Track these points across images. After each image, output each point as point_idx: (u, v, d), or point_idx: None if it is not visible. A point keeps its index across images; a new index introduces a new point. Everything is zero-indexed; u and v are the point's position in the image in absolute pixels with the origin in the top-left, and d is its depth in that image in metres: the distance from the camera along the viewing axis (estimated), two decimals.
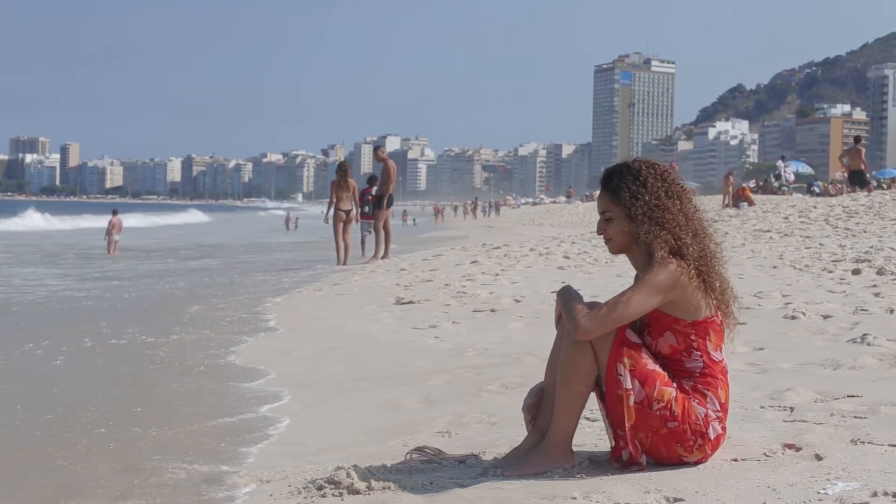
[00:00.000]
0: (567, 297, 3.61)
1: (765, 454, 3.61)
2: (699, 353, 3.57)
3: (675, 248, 3.54)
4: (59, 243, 34.78)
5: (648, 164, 3.67)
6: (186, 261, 24.30)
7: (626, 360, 3.51)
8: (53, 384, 6.91)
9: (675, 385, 3.54)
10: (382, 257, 18.21)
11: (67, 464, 4.68)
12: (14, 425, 5.53)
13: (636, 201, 3.58)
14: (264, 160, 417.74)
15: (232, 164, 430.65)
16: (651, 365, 3.53)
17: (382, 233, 18.64)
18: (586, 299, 3.62)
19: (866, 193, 26.13)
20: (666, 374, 3.55)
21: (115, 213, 28.85)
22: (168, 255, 26.93)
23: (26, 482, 4.34)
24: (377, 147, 19.49)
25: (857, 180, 29.01)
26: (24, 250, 29.12)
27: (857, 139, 30.46)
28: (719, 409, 3.56)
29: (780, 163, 45.86)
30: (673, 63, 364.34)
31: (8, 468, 4.61)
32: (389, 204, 18.69)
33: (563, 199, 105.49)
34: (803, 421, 4.07)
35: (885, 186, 34.21)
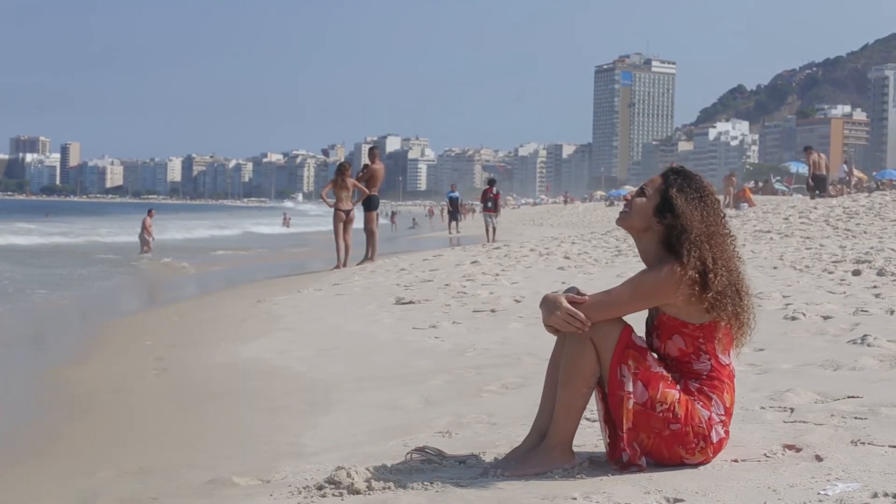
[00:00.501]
0: (552, 303, 3.59)
1: (765, 455, 3.61)
2: (707, 355, 3.57)
3: (702, 267, 3.52)
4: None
5: (709, 188, 3.68)
6: (190, 259, 24.32)
7: (630, 362, 3.51)
8: (50, 384, 6.91)
9: (679, 387, 3.54)
10: (369, 259, 18.26)
11: (74, 462, 4.69)
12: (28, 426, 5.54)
13: (691, 208, 3.56)
14: (264, 160, 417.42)
15: (232, 163, 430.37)
16: (655, 367, 3.54)
17: (366, 235, 18.77)
18: None
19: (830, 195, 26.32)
20: (670, 376, 3.55)
21: (150, 213, 28.81)
22: (175, 254, 26.95)
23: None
24: (372, 149, 19.59)
25: (820, 185, 29.15)
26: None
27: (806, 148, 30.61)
28: (723, 412, 3.56)
29: (843, 165, 45.50)
30: (673, 63, 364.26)
31: (31, 474, 4.62)
32: (375, 206, 18.82)
33: (561, 199, 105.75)
34: (803, 422, 4.07)
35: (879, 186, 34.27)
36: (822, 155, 29.77)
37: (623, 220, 3.68)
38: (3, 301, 13.38)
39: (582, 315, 3.53)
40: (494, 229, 27.78)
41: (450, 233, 37.32)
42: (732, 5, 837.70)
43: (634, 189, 3.75)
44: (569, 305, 3.55)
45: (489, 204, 28.70)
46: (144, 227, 28.26)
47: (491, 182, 29.49)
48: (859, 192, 32.82)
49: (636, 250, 3.80)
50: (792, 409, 4.33)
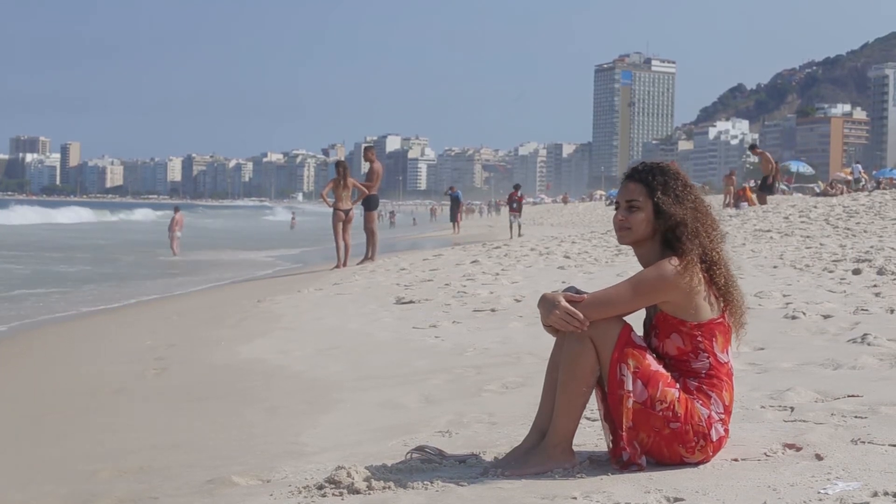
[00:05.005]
0: (550, 302, 3.59)
1: (765, 454, 3.61)
2: (706, 354, 3.57)
3: (702, 253, 3.56)
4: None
5: (682, 172, 3.71)
6: (192, 258, 24.34)
7: (629, 361, 3.50)
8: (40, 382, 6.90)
9: (678, 386, 3.54)
10: (369, 259, 18.25)
11: (74, 462, 4.69)
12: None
13: (681, 201, 3.59)
14: (265, 160, 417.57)
15: (232, 163, 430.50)
16: (655, 366, 3.53)
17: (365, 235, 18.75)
18: None
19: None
20: (669, 374, 3.55)
21: (176, 210, 28.79)
22: (192, 251, 27.01)
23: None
24: (369, 148, 19.57)
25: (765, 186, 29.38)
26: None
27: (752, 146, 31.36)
28: (723, 411, 3.56)
29: (857, 165, 45.59)
30: (673, 63, 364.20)
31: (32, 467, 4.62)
32: (375, 206, 18.80)
33: (560, 199, 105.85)
34: (804, 421, 4.07)
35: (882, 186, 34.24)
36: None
37: (628, 238, 3.65)
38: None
39: (580, 314, 3.52)
40: (519, 226, 32.83)
41: (454, 231, 37.83)
42: (732, 5, 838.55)
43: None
44: (567, 304, 3.54)
45: (514, 205, 33.71)
46: (175, 224, 27.97)
47: (516, 186, 34.84)
48: (858, 191, 32.80)
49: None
50: (792, 408, 4.33)
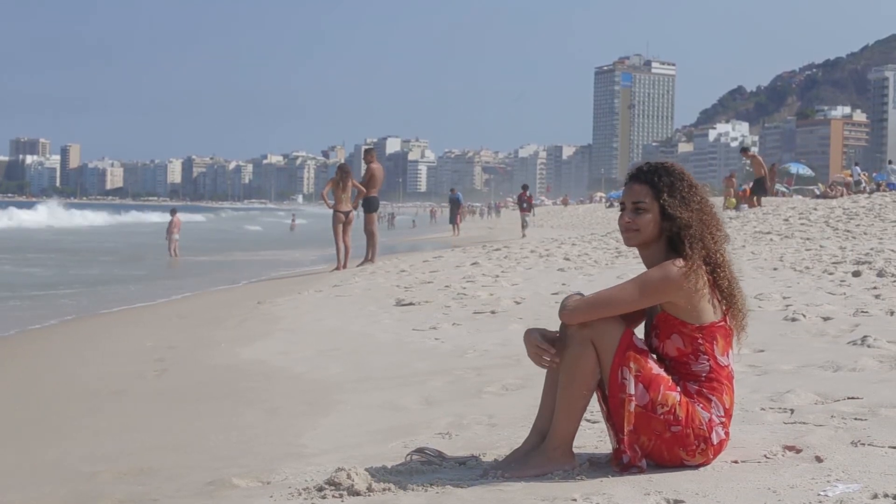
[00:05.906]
0: (525, 337, 3.65)
1: (765, 456, 3.61)
2: (706, 356, 3.56)
3: (706, 255, 3.56)
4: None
5: (687, 172, 3.71)
6: (196, 258, 24.35)
7: (631, 364, 3.50)
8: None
9: (679, 389, 3.53)
10: (369, 260, 18.25)
11: (74, 463, 4.69)
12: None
13: (687, 203, 3.59)
14: (264, 161, 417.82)
15: (232, 165, 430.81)
16: (656, 369, 3.53)
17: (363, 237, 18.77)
18: None
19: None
20: (671, 377, 3.55)
21: (174, 212, 29.00)
22: (195, 252, 27.02)
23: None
24: (369, 150, 19.57)
25: (759, 189, 29.56)
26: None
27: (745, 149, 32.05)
28: (723, 414, 3.56)
29: (856, 167, 45.48)
30: (673, 65, 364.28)
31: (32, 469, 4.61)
32: (375, 208, 18.81)
33: (560, 202, 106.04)
34: (804, 423, 4.07)
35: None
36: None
37: (635, 240, 3.64)
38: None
39: (552, 350, 3.57)
40: (524, 225, 35.01)
41: (454, 234, 38.01)
42: (732, 6, 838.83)
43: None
44: (537, 339, 3.61)
45: (524, 205, 35.97)
46: (173, 227, 28.24)
47: (524, 187, 37.32)
48: (858, 193, 32.81)
49: (636, 252, 3.79)
50: (792, 411, 4.33)
